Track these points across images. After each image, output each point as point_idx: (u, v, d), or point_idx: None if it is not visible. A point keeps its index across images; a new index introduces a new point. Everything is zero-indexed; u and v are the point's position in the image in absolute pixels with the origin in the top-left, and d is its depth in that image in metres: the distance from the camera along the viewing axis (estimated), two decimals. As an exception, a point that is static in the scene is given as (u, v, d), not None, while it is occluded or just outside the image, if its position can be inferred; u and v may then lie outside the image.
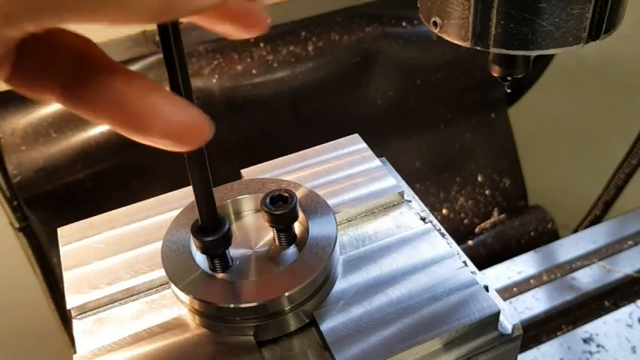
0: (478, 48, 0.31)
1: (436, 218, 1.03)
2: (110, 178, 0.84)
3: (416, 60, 0.93)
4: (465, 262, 0.39)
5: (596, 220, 0.99)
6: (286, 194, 0.35)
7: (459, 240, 0.99)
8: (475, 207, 1.02)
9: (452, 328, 0.34)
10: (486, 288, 0.38)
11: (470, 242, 0.98)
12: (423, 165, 1.01)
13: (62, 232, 0.42)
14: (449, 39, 0.32)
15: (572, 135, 1.43)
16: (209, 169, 0.31)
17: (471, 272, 0.38)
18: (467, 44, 0.31)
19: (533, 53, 0.30)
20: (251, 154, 0.96)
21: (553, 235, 1.02)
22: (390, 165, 0.48)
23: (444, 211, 1.01)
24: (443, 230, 0.42)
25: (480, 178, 1.03)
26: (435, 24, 0.32)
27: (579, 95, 1.43)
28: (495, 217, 1.02)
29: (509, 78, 0.35)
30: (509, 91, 0.36)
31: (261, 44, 0.89)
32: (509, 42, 0.30)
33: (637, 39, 1.44)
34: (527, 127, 1.21)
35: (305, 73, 0.90)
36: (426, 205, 1.05)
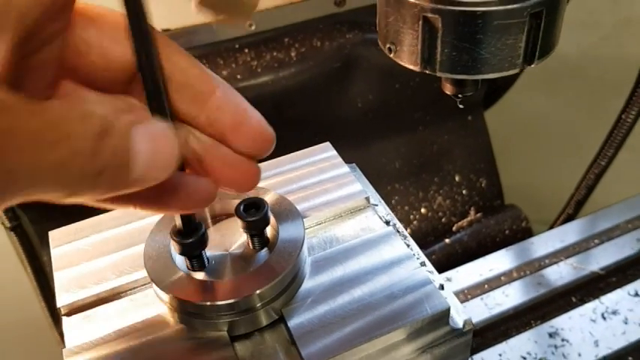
0: (427, 72, 0.35)
1: (415, 217, 1.06)
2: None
3: (395, 65, 0.96)
4: (423, 263, 0.43)
5: (569, 219, 1.03)
6: (258, 202, 0.39)
7: (437, 238, 1.03)
8: (452, 206, 1.06)
9: (406, 323, 0.37)
10: (442, 286, 0.42)
11: (447, 240, 1.02)
12: (402, 165, 1.05)
13: (53, 235, 0.45)
14: (402, 63, 0.36)
15: (549, 134, 1.47)
16: None
17: (428, 272, 0.42)
18: (417, 68, 0.35)
19: (474, 78, 0.34)
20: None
21: (527, 234, 1.06)
22: (360, 171, 0.52)
23: (423, 210, 1.05)
24: (405, 232, 0.46)
25: (457, 178, 1.07)
26: (390, 49, 0.35)
27: (558, 95, 1.47)
28: (472, 215, 1.06)
29: (460, 95, 0.38)
30: (461, 107, 0.39)
31: (246, 50, 0.92)
32: (453, 67, 0.33)
33: (617, 40, 1.48)
34: (505, 127, 1.24)
35: (288, 78, 0.93)
36: (405, 204, 1.08)
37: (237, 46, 0.92)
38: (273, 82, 0.92)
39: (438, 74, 0.34)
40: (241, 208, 0.38)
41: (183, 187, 0.31)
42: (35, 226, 0.93)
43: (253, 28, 0.91)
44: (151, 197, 0.31)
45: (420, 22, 0.33)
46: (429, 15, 0.33)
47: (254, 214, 0.38)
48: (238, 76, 0.91)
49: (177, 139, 0.28)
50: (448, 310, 0.38)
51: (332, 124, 0.98)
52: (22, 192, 0.24)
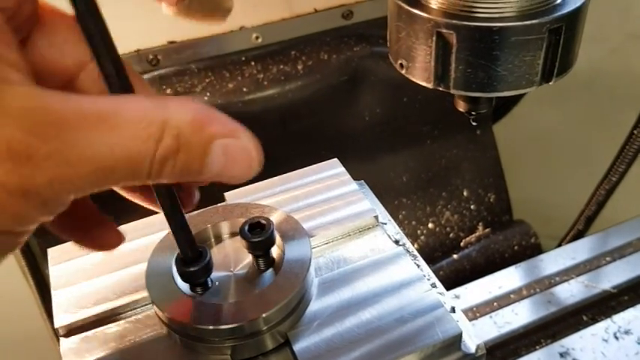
0: (440, 89, 0.33)
1: (422, 232, 1.04)
2: (102, 193, 0.86)
3: (402, 78, 0.95)
4: (434, 284, 0.41)
5: (579, 235, 1.01)
6: (264, 222, 0.37)
7: (445, 253, 1.02)
8: (460, 221, 1.04)
9: (416, 349, 0.36)
10: (453, 309, 0.40)
11: (455, 256, 1.00)
12: (410, 180, 1.03)
13: (52, 252, 0.44)
14: (414, 80, 0.34)
15: (558, 148, 1.45)
16: (180, 204, 0.33)
17: (439, 293, 0.40)
18: (430, 85, 0.34)
19: (490, 95, 0.33)
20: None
21: (536, 250, 1.04)
22: (369, 188, 0.50)
23: (430, 225, 1.03)
24: (415, 252, 0.44)
25: (465, 193, 1.05)
26: (402, 65, 0.34)
27: (568, 109, 1.46)
28: (480, 231, 1.04)
29: (473, 112, 0.37)
30: (474, 124, 0.38)
31: (252, 63, 0.91)
32: (468, 85, 0.32)
33: (627, 53, 1.47)
34: (514, 141, 1.23)
35: (294, 91, 0.92)
36: (413, 219, 1.06)
37: (243, 58, 0.91)
38: (279, 96, 0.91)
39: (452, 92, 0.33)
40: (246, 227, 0.37)
41: (95, 233, 0.34)
42: (38, 239, 0.93)
43: (260, 40, 0.91)
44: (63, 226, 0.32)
45: (434, 38, 0.32)
46: (444, 30, 0.31)
47: (259, 234, 0.37)
48: (244, 89, 0.90)
49: (259, 154, 0.28)
50: (460, 335, 0.37)
51: (339, 137, 0.97)
52: (85, 193, 0.25)
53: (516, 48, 0.31)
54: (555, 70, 0.33)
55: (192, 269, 0.34)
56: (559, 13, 0.31)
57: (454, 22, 0.31)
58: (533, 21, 0.31)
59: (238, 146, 0.27)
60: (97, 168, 0.24)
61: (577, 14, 0.32)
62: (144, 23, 0.84)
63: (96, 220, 0.34)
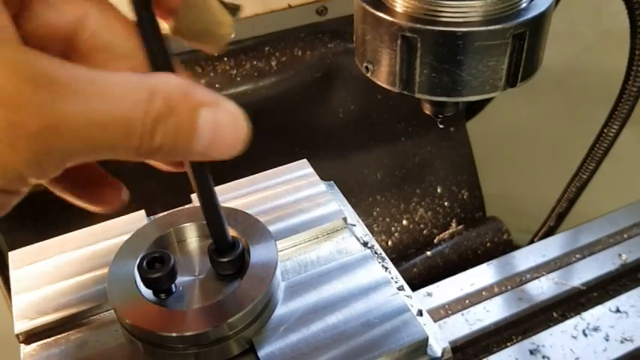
0: (406, 93, 0.33)
1: (396, 229, 1.04)
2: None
3: (377, 75, 0.95)
4: (401, 287, 0.41)
5: (551, 231, 1.02)
6: (233, 241, 0.37)
7: (418, 250, 1.02)
8: (434, 218, 1.05)
9: (382, 353, 0.36)
10: (420, 312, 0.40)
11: (428, 252, 1.01)
12: (384, 177, 1.03)
13: (13, 256, 0.43)
14: (379, 83, 0.34)
15: (531, 145, 1.47)
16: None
17: (407, 296, 0.40)
18: (395, 89, 0.33)
19: (454, 100, 0.32)
20: (215, 167, 0.97)
21: (508, 246, 1.05)
22: (338, 189, 0.50)
23: (404, 222, 1.03)
24: (383, 254, 0.44)
25: (439, 190, 1.06)
26: (367, 69, 0.34)
27: (541, 106, 1.47)
28: (453, 227, 1.05)
29: (440, 116, 0.37)
30: (441, 126, 0.38)
31: (225, 59, 0.90)
32: (432, 89, 0.32)
33: (600, 51, 1.49)
34: (487, 138, 1.24)
35: (268, 88, 0.91)
36: (387, 215, 1.06)
37: (216, 54, 0.90)
38: (252, 92, 0.91)
39: (417, 96, 0.33)
40: (213, 248, 0.37)
41: (97, 190, 0.33)
42: (6, 236, 0.91)
43: (233, 36, 0.89)
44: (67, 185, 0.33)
45: (399, 42, 0.31)
46: (408, 34, 0.31)
47: (228, 254, 0.36)
48: (217, 85, 0.89)
49: (246, 122, 0.28)
50: (426, 339, 0.37)
51: (313, 134, 0.97)
52: (79, 158, 0.25)
53: (480, 53, 0.31)
54: (519, 74, 0.33)
55: (155, 275, 0.34)
56: (523, 19, 0.31)
57: (418, 26, 0.31)
58: (497, 26, 0.31)
59: (226, 111, 0.27)
60: (87, 122, 0.23)
61: (541, 19, 0.32)
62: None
63: (97, 177, 0.34)
